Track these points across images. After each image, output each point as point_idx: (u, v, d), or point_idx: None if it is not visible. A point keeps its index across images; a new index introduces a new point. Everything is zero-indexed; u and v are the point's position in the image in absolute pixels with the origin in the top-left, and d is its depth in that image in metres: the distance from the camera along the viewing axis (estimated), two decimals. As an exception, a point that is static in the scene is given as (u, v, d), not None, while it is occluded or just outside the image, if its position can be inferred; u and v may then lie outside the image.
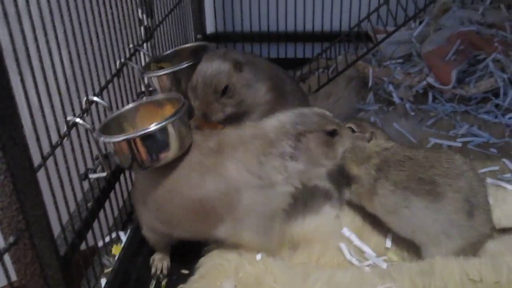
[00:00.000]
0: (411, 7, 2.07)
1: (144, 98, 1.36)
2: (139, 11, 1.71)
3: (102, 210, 1.29)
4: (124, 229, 1.41)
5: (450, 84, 1.85)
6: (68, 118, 1.10)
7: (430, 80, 1.88)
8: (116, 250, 1.34)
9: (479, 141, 1.68)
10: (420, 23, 2.15)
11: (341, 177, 1.41)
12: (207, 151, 1.17)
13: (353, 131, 1.30)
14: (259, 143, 1.15)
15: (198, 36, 2.37)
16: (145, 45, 1.72)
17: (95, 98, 1.20)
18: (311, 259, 1.28)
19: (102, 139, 1.10)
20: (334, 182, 1.48)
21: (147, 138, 1.09)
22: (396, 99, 1.88)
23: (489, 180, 1.44)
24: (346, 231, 1.33)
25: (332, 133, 1.17)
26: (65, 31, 1.07)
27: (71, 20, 1.09)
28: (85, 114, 1.18)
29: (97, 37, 1.24)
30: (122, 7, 1.44)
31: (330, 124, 1.17)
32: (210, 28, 2.46)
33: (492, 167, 1.54)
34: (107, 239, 1.34)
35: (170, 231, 1.24)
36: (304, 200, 1.42)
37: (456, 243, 1.17)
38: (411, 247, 1.28)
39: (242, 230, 1.18)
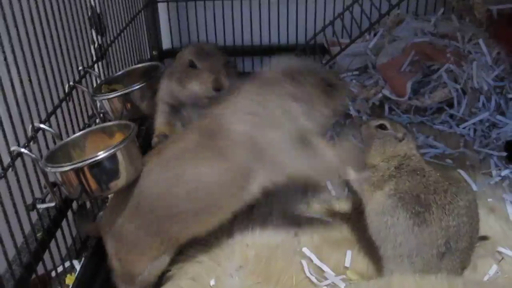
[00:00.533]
0: (366, 19, 2.10)
1: (93, 126, 1.33)
2: (91, 29, 1.68)
3: (54, 240, 1.25)
4: (78, 257, 1.36)
5: (406, 95, 1.86)
6: (12, 148, 1.06)
7: (386, 92, 1.89)
8: (70, 280, 1.30)
9: (435, 152, 1.69)
10: (375, 35, 2.17)
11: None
12: (205, 129, 1.19)
13: (385, 127, 1.30)
14: (258, 89, 1.18)
15: (154, 53, 2.34)
16: (98, 64, 1.69)
17: (42, 125, 1.16)
18: (271, 278, 1.27)
19: (48, 169, 1.07)
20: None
21: (96, 166, 1.06)
22: (352, 112, 1.89)
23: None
24: (306, 251, 1.32)
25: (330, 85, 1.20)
26: (12, 51, 1.04)
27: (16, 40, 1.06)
28: (32, 142, 1.14)
29: (44, 59, 1.21)
30: (74, 26, 1.41)
31: (329, 75, 1.21)
32: (166, 44, 2.43)
33: (448, 179, 1.55)
34: (60, 269, 1.29)
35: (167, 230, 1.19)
36: (262, 219, 1.40)
37: (415, 270, 1.15)
38: (370, 265, 1.28)
39: (281, 166, 1.18)
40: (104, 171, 1.07)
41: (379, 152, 1.28)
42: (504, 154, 1.65)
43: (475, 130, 1.78)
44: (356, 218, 1.42)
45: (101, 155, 1.06)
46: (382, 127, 1.30)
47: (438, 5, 2.33)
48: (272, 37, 2.39)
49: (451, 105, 1.88)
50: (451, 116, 1.86)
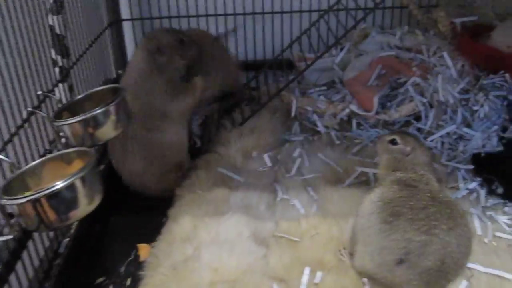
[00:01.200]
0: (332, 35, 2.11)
1: (55, 151, 1.29)
2: (52, 51, 1.65)
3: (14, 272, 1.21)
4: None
5: (373, 110, 1.86)
6: (-35, 181, 1.02)
7: (353, 107, 1.89)
8: (33, 312, 1.26)
9: (403, 167, 1.69)
10: (341, 49, 2.17)
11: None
12: None
13: (396, 143, 1.31)
14: None
15: (119, 72, 2.30)
16: (60, 87, 1.65)
17: (-2, 155, 1.12)
18: None
19: (3, 201, 1.03)
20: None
21: (53, 197, 1.03)
22: (320, 128, 1.88)
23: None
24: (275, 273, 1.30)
25: None
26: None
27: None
28: (-13, 173, 1.10)
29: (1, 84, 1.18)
30: (33, 48, 1.38)
31: None
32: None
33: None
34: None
35: None
36: (230, 242, 1.38)
37: (374, 266, 1.21)
38: (339, 283, 1.27)
39: None
40: (62, 201, 1.04)
41: (388, 166, 1.32)
42: (471, 167, 1.66)
43: (442, 143, 1.79)
44: (324, 236, 1.41)
45: (59, 184, 1.03)
46: (393, 142, 1.32)
47: (404, 19, 2.35)
48: (239, 53, 2.38)
49: (418, 119, 1.88)
50: (419, 129, 1.86)
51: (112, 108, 1.35)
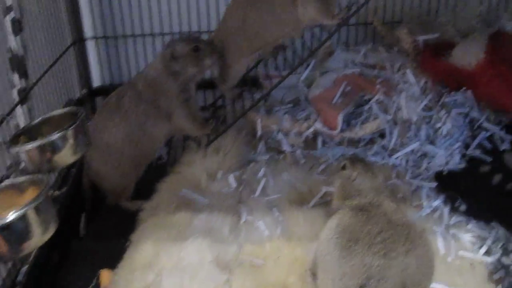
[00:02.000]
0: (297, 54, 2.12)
1: (3, 182, 1.25)
2: (10, 72, 1.62)
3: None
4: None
5: (338, 128, 1.87)
6: None
7: (318, 125, 1.88)
8: None
9: (367, 185, 1.69)
10: (307, 67, 2.17)
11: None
12: None
13: (344, 168, 1.36)
14: None
15: (84, 91, 2.27)
16: (20, 109, 1.62)
17: None
18: None
19: (-49, 235, 1.00)
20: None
21: (5, 228, 1.00)
22: (285, 147, 1.87)
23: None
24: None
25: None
26: None
27: None
28: None
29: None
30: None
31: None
32: (96, 81, 2.37)
33: (380, 212, 1.55)
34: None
35: None
36: (192, 267, 1.36)
37: None
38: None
39: None
40: (15, 232, 1.01)
41: (341, 192, 1.35)
42: (435, 184, 1.67)
43: (407, 161, 1.80)
44: (288, 258, 1.40)
45: (11, 216, 1.00)
46: (343, 167, 1.36)
47: (368, 35, 2.37)
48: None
49: (383, 136, 1.89)
50: (384, 147, 1.87)
51: (70, 132, 1.33)
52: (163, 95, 1.73)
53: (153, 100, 1.73)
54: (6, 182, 1.19)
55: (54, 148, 1.30)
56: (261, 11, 1.78)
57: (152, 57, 2.31)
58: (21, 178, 1.18)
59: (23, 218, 1.01)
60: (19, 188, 1.14)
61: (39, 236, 1.05)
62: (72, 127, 1.33)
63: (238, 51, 1.87)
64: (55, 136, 1.30)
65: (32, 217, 1.03)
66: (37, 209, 1.03)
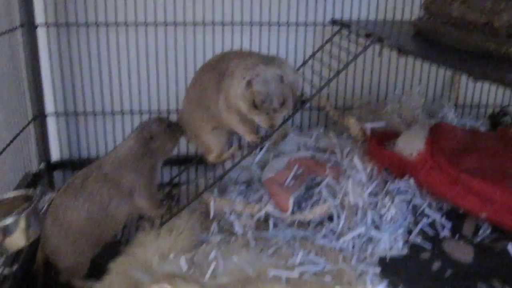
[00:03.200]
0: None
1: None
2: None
3: None
4: None
5: (288, 211, 1.93)
6: None
7: (270, 208, 1.95)
8: None
9: (315, 270, 1.74)
10: (261, 149, 2.26)
11: None
12: None
13: None
14: None
15: (41, 165, 2.30)
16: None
17: None
18: None
19: None
20: None
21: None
22: (237, 229, 1.92)
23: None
24: None
25: None
26: None
27: None
28: None
29: None
30: None
31: None
32: (55, 156, 2.40)
33: (326, 297, 1.60)
34: None
35: None
36: None
37: None
38: None
39: None
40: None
41: None
42: (378, 270, 1.74)
43: (353, 245, 1.86)
44: None
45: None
46: None
47: (320, 120, 2.49)
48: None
49: (332, 219, 1.97)
50: (332, 230, 1.94)
51: (23, 216, 1.36)
52: (131, 173, 1.81)
53: (117, 179, 1.80)
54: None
55: (5, 232, 1.33)
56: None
57: (111, 135, 2.37)
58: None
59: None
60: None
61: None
62: (25, 211, 1.36)
63: (203, 122, 1.96)
64: (8, 220, 1.32)
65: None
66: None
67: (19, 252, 1.80)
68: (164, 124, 1.93)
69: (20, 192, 1.50)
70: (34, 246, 1.79)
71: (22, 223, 1.36)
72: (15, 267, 1.77)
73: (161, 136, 1.90)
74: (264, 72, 1.66)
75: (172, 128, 1.95)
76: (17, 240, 1.36)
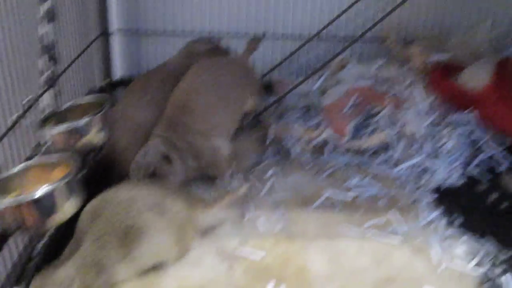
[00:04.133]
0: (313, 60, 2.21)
1: (35, 159, 1.35)
2: (41, 58, 1.70)
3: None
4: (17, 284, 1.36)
5: (346, 137, 1.95)
6: (-49, 182, 1.08)
7: (328, 133, 1.97)
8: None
9: (369, 193, 1.77)
10: (320, 77, 2.26)
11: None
12: None
13: None
14: None
15: (105, 82, 2.36)
16: (47, 94, 1.71)
17: (-17, 158, 1.18)
18: None
19: (-16, 204, 1.09)
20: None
21: (34, 203, 1.08)
22: (294, 152, 1.96)
23: (374, 234, 1.53)
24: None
25: None
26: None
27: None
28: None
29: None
30: (22, 56, 1.42)
31: None
32: (117, 74, 2.46)
33: (379, 220, 1.63)
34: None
35: None
36: (195, 260, 1.44)
37: None
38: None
39: None
40: (42, 207, 1.10)
41: None
42: (433, 198, 1.75)
43: (408, 174, 1.87)
44: (287, 253, 1.48)
45: (39, 192, 1.08)
46: None
47: (381, 51, 2.45)
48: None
49: (388, 148, 1.97)
50: (388, 159, 1.95)
51: (96, 119, 1.42)
52: None
53: None
54: (36, 160, 1.28)
55: (82, 132, 1.39)
56: None
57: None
58: (51, 156, 1.27)
59: (50, 194, 1.10)
60: (49, 165, 1.23)
61: (63, 213, 1.13)
62: (99, 114, 1.42)
63: None
64: (82, 121, 1.38)
65: (59, 194, 1.11)
66: (64, 188, 1.12)
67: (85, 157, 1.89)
68: (209, 45, 1.93)
69: (93, 98, 1.55)
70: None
71: (96, 125, 1.42)
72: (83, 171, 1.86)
73: (203, 55, 1.90)
74: None
75: (217, 50, 1.94)
76: (92, 140, 1.42)
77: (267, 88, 2.21)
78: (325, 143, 2.01)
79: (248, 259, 1.45)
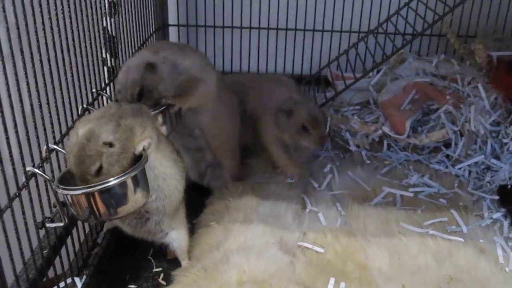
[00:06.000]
0: (370, 56, 2.18)
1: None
2: (103, 51, 1.73)
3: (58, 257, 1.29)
4: (79, 274, 1.40)
5: (405, 133, 1.92)
6: (28, 169, 1.11)
7: (386, 129, 1.95)
8: (72, 297, 1.34)
9: (429, 191, 1.74)
10: (378, 72, 2.23)
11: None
12: None
13: None
14: None
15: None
16: (110, 86, 1.74)
17: (55, 147, 1.21)
18: None
19: (60, 191, 1.12)
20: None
21: (106, 192, 1.11)
22: (352, 147, 1.94)
23: (436, 233, 1.51)
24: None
25: None
26: (25, 74, 1.09)
27: (30, 60, 1.10)
28: (45, 163, 1.19)
29: (59, 80, 1.26)
30: (86, 47, 1.45)
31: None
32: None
33: (441, 218, 1.60)
34: (62, 285, 1.33)
35: None
36: (259, 247, 1.44)
37: None
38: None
39: None
40: (113, 196, 1.12)
41: None
42: (497, 197, 1.71)
43: (470, 172, 1.84)
44: (347, 249, 1.47)
45: (112, 181, 1.11)
46: None
47: (440, 47, 2.40)
48: (277, 66, 2.46)
49: (448, 146, 1.94)
50: (447, 156, 1.92)
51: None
52: None
53: None
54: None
55: None
56: None
57: (230, 49, 2.43)
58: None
59: (122, 184, 1.12)
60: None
61: (133, 202, 1.16)
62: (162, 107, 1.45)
63: None
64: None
65: (130, 184, 1.13)
66: (135, 178, 1.14)
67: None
68: None
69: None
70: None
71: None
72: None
73: None
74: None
75: None
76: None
77: (326, 82, 2.20)
78: (382, 139, 1.99)
79: (309, 253, 1.45)
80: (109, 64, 1.78)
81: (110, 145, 1.14)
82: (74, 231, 1.40)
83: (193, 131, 1.70)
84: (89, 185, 1.11)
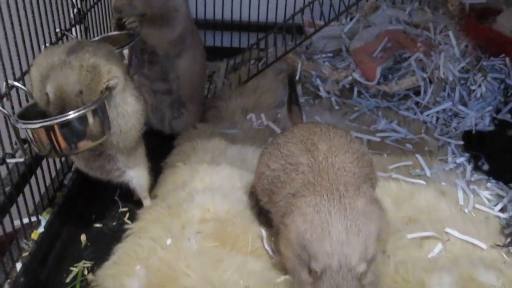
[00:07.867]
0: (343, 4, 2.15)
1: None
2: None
3: (21, 195, 1.30)
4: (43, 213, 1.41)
5: (375, 80, 1.93)
6: (-15, 104, 1.10)
7: (356, 75, 1.95)
8: (36, 235, 1.34)
9: (396, 136, 1.76)
10: (351, 19, 2.22)
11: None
12: None
13: None
14: None
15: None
16: (76, 28, 1.71)
17: (15, 83, 1.20)
18: (227, 242, 1.29)
19: (19, 125, 1.11)
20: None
21: (66, 125, 1.10)
22: (322, 93, 1.95)
23: (399, 176, 1.54)
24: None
25: None
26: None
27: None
28: (5, 99, 1.18)
29: (23, 17, 1.23)
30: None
31: None
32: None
33: (406, 162, 1.62)
34: (25, 220, 1.33)
35: None
36: (223, 191, 1.45)
37: None
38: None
39: None
40: (73, 130, 1.11)
41: None
42: (461, 142, 1.73)
43: (437, 119, 1.86)
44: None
45: (71, 114, 1.10)
46: None
47: (414, -6, 2.39)
48: (251, 14, 2.42)
49: (417, 93, 1.95)
50: (417, 103, 1.93)
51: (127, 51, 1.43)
52: None
53: None
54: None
55: None
56: None
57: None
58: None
59: (82, 118, 1.12)
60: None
61: (93, 138, 1.15)
62: (129, 45, 1.43)
63: None
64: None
65: (90, 118, 1.13)
66: (95, 112, 1.13)
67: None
68: None
69: (123, 32, 1.55)
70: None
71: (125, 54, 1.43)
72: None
73: None
74: None
75: None
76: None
77: (297, 29, 2.18)
78: (352, 86, 1.99)
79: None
80: (77, 6, 1.74)
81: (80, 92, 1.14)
82: (40, 173, 1.40)
83: (168, 75, 1.70)
84: (48, 119, 1.10)
